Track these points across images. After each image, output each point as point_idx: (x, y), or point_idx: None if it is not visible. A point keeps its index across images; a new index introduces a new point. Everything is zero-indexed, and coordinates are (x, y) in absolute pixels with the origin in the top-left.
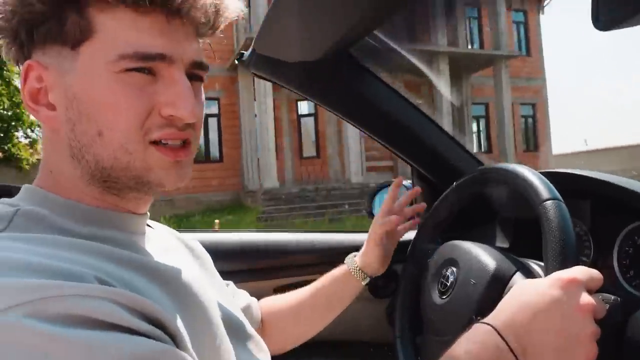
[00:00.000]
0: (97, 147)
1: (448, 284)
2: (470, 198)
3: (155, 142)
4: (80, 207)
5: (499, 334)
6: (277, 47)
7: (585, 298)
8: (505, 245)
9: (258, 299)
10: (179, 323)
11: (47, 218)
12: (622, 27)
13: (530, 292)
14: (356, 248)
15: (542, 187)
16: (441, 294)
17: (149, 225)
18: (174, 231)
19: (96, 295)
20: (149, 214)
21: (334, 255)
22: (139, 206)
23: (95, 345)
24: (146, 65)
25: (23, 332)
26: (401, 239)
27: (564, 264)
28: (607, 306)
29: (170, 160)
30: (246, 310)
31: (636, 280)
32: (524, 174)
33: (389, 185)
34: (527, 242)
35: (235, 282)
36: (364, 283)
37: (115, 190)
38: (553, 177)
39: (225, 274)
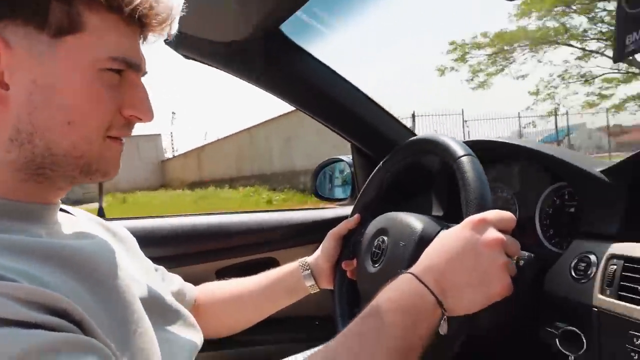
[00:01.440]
0: (61, 134)
1: (380, 252)
2: (400, 172)
3: (110, 137)
4: None
5: (417, 278)
6: (204, 26)
7: (493, 233)
8: (440, 213)
9: (200, 282)
10: (87, 308)
11: None
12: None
13: (446, 238)
14: (299, 225)
15: (455, 146)
16: (373, 262)
17: (68, 212)
18: (97, 217)
19: None
20: (60, 202)
21: (275, 235)
22: (57, 196)
23: None
24: (122, 68)
25: None
26: None
27: (479, 210)
28: (519, 245)
29: (119, 152)
30: (178, 293)
31: (555, 238)
32: (439, 138)
33: (333, 162)
34: (460, 209)
35: (175, 267)
36: (311, 291)
37: (42, 179)
38: (478, 145)
39: (163, 260)
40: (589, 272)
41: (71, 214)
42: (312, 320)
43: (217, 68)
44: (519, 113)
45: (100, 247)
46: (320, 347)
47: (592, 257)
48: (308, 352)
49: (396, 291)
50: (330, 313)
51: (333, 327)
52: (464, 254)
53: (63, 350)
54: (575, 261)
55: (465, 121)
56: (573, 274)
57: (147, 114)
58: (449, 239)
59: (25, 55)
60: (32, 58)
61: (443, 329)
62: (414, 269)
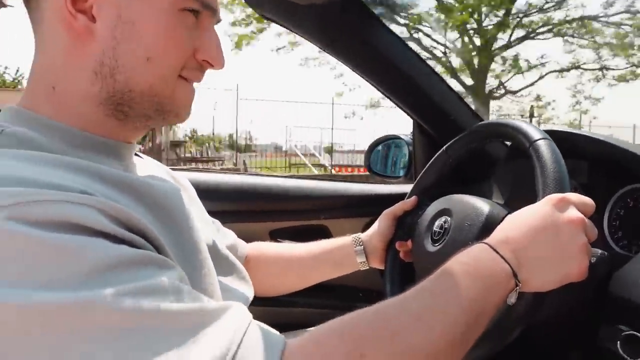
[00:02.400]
0: (139, 70)
1: (442, 232)
2: (464, 157)
3: (183, 78)
4: (71, 130)
5: (493, 249)
6: None
7: (575, 212)
8: (501, 202)
9: (253, 240)
10: (164, 239)
11: (35, 140)
12: None
13: (524, 213)
14: (352, 198)
15: (531, 129)
16: (434, 242)
17: (139, 155)
18: (163, 165)
19: (78, 202)
20: (136, 144)
21: (329, 203)
22: (133, 136)
23: (72, 247)
24: (199, 10)
25: (0, 234)
26: None
27: (556, 191)
28: (597, 230)
29: (191, 92)
30: (231, 247)
31: (623, 241)
32: (512, 123)
33: (390, 139)
34: (522, 199)
35: (229, 222)
36: (361, 267)
37: (122, 116)
38: (552, 134)
39: (220, 214)
40: None
41: (141, 157)
42: (356, 292)
43: (292, 30)
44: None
45: (170, 189)
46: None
47: None
48: None
49: (470, 257)
50: (374, 288)
51: (376, 299)
52: (545, 229)
53: (145, 265)
54: None
55: None
56: None
57: (219, 61)
58: (528, 215)
59: None
60: None
61: (511, 300)
62: (489, 240)
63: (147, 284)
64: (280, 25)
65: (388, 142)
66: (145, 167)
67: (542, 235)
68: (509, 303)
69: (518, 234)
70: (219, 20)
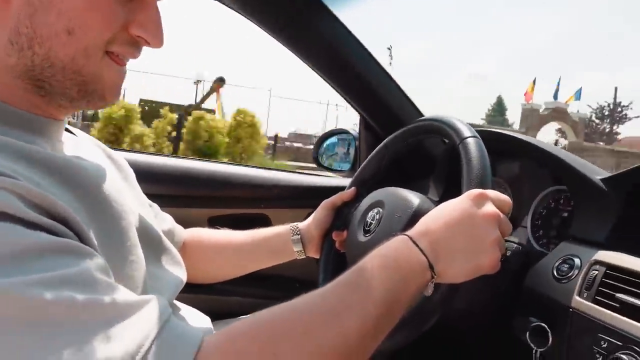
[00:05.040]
0: (59, 43)
1: (373, 222)
2: (402, 152)
3: (112, 54)
4: None
5: (411, 240)
6: None
7: (491, 207)
8: (436, 198)
9: (191, 227)
10: (89, 225)
11: None
12: None
13: (444, 207)
14: (295, 188)
15: (462, 127)
16: (365, 232)
17: (72, 132)
18: (98, 142)
19: None
20: (67, 119)
21: (271, 193)
22: (59, 112)
23: None
24: None
25: None
26: None
27: (479, 187)
28: (511, 226)
29: (120, 72)
30: (168, 232)
31: (543, 240)
32: (446, 119)
33: (338, 133)
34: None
35: (168, 206)
36: (298, 257)
37: (43, 92)
38: (483, 134)
39: (158, 197)
40: (570, 274)
41: (74, 134)
42: (293, 282)
43: (243, 15)
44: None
45: (101, 171)
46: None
47: (577, 261)
48: None
49: (389, 249)
50: (312, 278)
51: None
52: (461, 222)
53: (62, 253)
54: (560, 262)
55: None
56: (555, 274)
57: (156, 38)
58: (447, 208)
59: None
60: None
61: (428, 292)
62: (410, 231)
63: (59, 273)
64: (233, 9)
65: (336, 136)
66: (77, 145)
67: (458, 228)
68: (425, 294)
69: (436, 226)
70: None
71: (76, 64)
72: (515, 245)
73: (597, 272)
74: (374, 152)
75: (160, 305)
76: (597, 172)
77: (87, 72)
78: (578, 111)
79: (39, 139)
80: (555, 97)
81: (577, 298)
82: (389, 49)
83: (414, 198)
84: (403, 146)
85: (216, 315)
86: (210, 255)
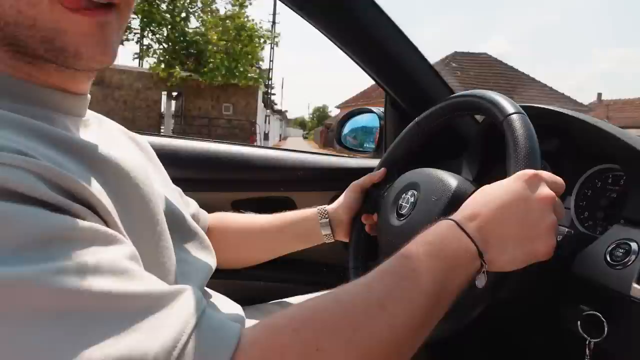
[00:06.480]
0: None
1: (408, 206)
2: (435, 130)
3: (67, 7)
4: (6, 79)
5: (459, 226)
6: None
7: (546, 190)
8: (470, 178)
9: (215, 211)
10: (113, 209)
11: None
12: None
13: (493, 188)
14: (320, 170)
15: (506, 103)
16: (399, 216)
17: (95, 116)
18: (120, 126)
19: (11, 164)
20: (89, 96)
21: (295, 175)
22: (68, 83)
23: (5, 217)
24: None
25: None
26: None
27: (528, 167)
28: (565, 210)
29: (86, 22)
30: (194, 217)
31: (589, 222)
32: (487, 95)
33: (358, 113)
34: (491, 177)
35: (191, 190)
36: (326, 240)
37: (27, 58)
38: (526, 110)
39: (181, 181)
40: (626, 260)
41: (98, 117)
42: (320, 266)
43: None
44: None
45: (128, 154)
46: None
47: (634, 245)
48: (312, 295)
49: (435, 236)
50: (339, 262)
51: (341, 276)
52: (514, 206)
53: (91, 238)
54: (613, 247)
55: None
56: (609, 259)
57: None
58: (498, 190)
59: None
60: None
61: (481, 282)
62: (456, 215)
63: (88, 261)
64: None
65: (360, 116)
66: (100, 127)
67: (511, 212)
68: (478, 286)
69: (486, 210)
70: None
71: (26, 16)
72: (566, 230)
73: None
74: (404, 130)
75: (195, 296)
76: None
77: (43, 25)
78: None
79: (62, 116)
80: None
81: (637, 286)
82: None
83: (451, 179)
84: (437, 125)
85: (244, 301)
86: (236, 240)
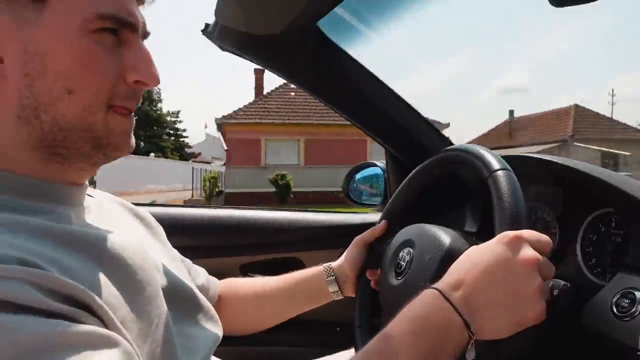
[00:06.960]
0: (63, 105)
1: (404, 264)
2: (429, 183)
3: (115, 108)
4: (11, 177)
5: (443, 296)
6: (241, 18)
7: (529, 252)
8: (473, 229)
9: (224, 276)
10: (112, 299)
11: None
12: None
13: (476, 253)
14: (325, 228)
15: (492, 159)
16: (397, 275)
17: (90, 195)
18: (122, 200)
19: (10, 277)
20: (88, 184)
21: (302, 235)
22: (80, 176)
23: (5, 327)
24: (116, 27)
25: None
26: None
27: (513, 227)
28: (554, 268)
29: (127, 121)
30: (202, 288)
31: (597, 269)
32: (474, 150)
33: (367, 167)
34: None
35: (199, 258)
36: (335, 297)
37: (61, 158)
38: (517, 160)
39: (188, 249)
40: (632, 311)
41: (92, 196)
42: (334, 326)
43: (251, 61)
44: None
45: (129, 237)
46: None
47: (638, 294)
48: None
49: (418, 309)
50: (350, 320)
51: (352, 335)
52: (496, 271)
53: (85, 343)
54: (618, 296)
55: None
56: (615, 310)
57: (150, 76)
58: (480, 254)
59: (12, 24)
60: (20, 26)
61: (471, 355)
62: (440, 284)
63: None
64: (239, 56)
65: (365, 170)
66: (99, 208)
67: (495, 278)
68: (468, 359)
69: (470, 277)
70: (146, 34)
71: (84, 122)
72: (562, 283)
73: None
74: (401, 185)
75: None
76: None
77: (96, 127)
78: None
79: (63, 206)
80: None
81: None
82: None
83: (444, 237)
84: (433, 177)
85: None
86: (246, 305)
